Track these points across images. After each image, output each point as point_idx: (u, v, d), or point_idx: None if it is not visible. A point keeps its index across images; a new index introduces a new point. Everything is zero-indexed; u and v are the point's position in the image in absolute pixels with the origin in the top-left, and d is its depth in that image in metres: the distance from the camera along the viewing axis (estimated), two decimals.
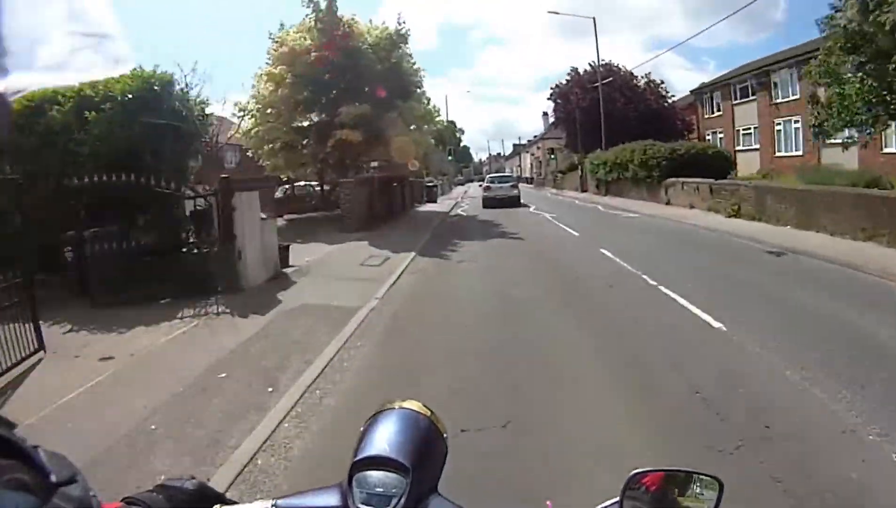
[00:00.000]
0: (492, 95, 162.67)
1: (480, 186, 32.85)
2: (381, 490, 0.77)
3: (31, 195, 6.63)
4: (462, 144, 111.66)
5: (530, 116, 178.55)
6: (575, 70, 35.02)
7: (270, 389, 4.41)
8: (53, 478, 0.50)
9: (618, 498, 0.83)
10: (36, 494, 0.47)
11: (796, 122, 22.82)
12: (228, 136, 21.07)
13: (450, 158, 50.74)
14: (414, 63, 19.50)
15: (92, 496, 0.54)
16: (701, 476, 0.86)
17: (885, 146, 17.44)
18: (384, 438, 0.84)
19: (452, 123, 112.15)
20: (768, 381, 4.15)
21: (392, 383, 4.57)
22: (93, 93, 7.98)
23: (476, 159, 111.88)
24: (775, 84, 24.70)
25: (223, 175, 8.80)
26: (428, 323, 6.51)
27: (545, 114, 54.53)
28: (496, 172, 52.24)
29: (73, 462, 0.55)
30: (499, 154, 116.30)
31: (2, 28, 0.48)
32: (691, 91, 32.82)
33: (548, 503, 1.01)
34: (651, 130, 24.98)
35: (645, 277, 7.95)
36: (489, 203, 23.83)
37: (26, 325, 5.30)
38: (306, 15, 17.65)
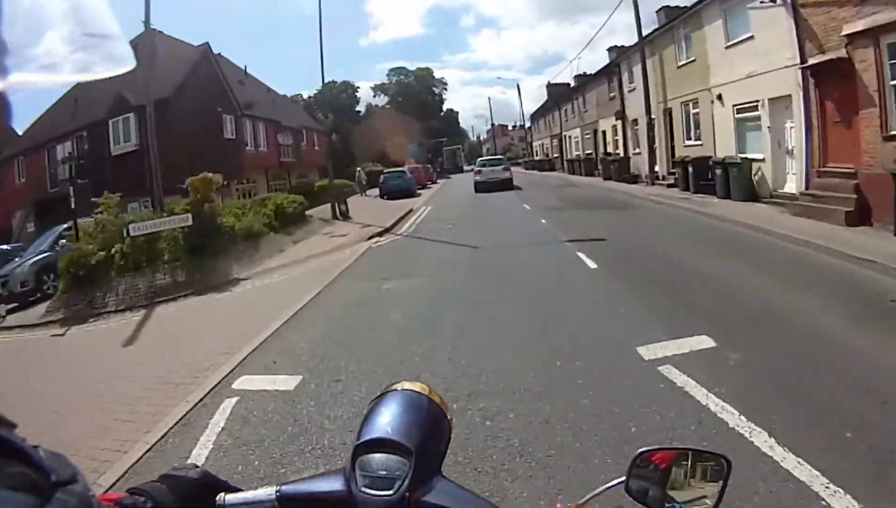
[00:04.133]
0: (486, 79, 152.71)
1: (472, 169, 29.92)
2: (385, 472, 0.77)
3: None
4: (448, 109, 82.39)
5: (527, 98, 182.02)
6: None
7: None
8: (53, 478, 0.50)
9: (624, 477, 0.84)
10: (36, 494, 0.47)
11: None
12: None
13: None
14: None
15: (91, 495, 0.54)
16: (708, 455, 0.85)
17: None
18: (387, 420, 0.83)
19: (426, 69, 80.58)
20: None
21: None
22: None
23: (473, 138, 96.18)
24: None
25: None
26: None
27: None
28: (502, 151, 50.80)
29: None
30: (504, 126, 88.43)
31: (2, 27, 0.48)
32: None
33: (558, 506, 0.98)
34: None
35: None
36: (481, 187, 22.64)
37: None
38: None
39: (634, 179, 19.48)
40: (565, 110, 33.27)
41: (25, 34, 0.48)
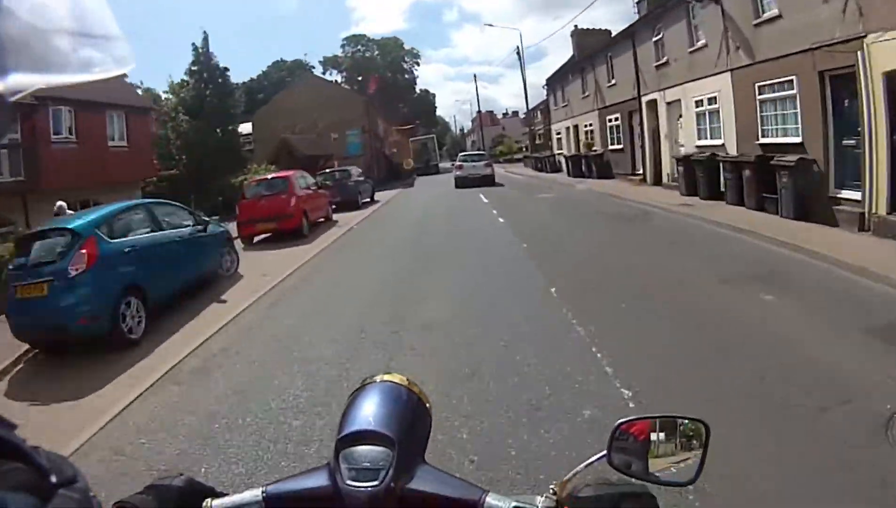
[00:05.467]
0: (469, 74, 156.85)
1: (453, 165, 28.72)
2: (369, 464, 0.77)
3: None
4: (422, 90, 67.77)
5: (508, 93, 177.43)
6: None
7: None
8: (54, 479, 0.50)
9: (605, 451, 0.83)
10: (36, 495, 0.47)
11: None
12: None
13: None
14: None
15: (92, 496, 0.53)
16: (687, 421, 0.85)
17: None
18: (368, 412, 0.83)
19: (394, 39, 66.96)
20: None
21: None
22: None
23: (456, 132, 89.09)
24: None
25: None
26: None
27: None
28: (492, 144, 46.67)
29: None
30: (492, 112, 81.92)
31: (2, 27, 0.48)
32: None
33: (551, 486, 0.96)
34: None
35: None
36: (463, 183, 22.10)
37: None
38: None
39: None
40: (658, 44, 15.43)
41: (25, 34, 0.47)
